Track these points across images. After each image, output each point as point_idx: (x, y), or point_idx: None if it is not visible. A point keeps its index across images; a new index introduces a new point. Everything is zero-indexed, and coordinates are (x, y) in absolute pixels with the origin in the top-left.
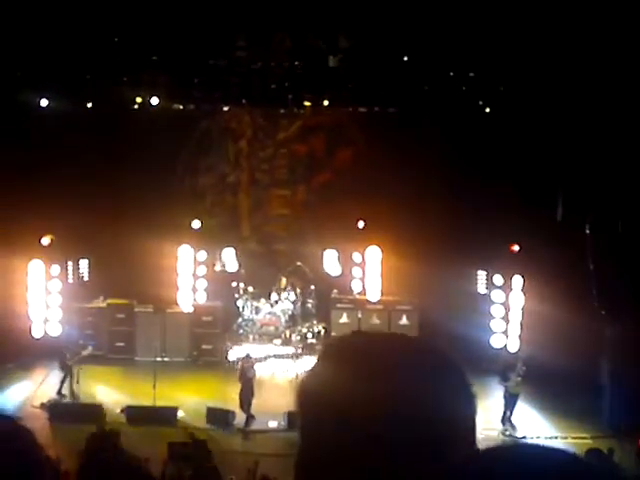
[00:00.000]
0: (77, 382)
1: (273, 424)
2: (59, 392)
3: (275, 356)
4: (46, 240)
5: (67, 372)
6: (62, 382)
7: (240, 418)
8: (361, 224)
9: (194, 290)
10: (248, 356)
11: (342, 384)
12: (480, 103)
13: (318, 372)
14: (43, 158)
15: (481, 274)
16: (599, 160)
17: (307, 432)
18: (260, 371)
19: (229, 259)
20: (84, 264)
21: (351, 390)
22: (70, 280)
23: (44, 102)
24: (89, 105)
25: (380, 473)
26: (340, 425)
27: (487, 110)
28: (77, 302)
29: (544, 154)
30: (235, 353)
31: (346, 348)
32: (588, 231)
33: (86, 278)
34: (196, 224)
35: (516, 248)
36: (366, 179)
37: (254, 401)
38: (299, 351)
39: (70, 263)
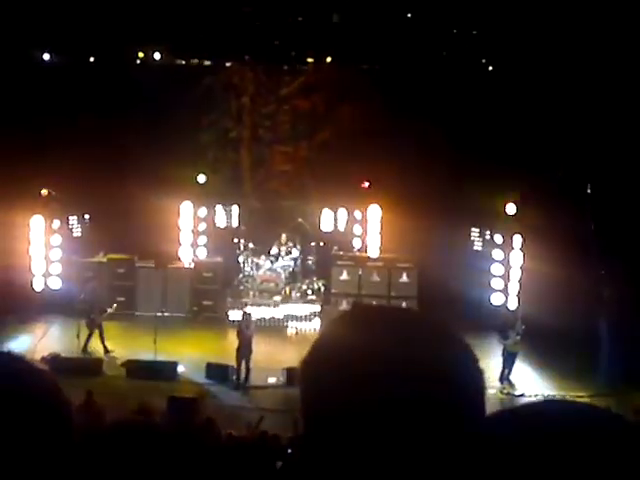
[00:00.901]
0: (77, 336)
1: (272, 380)
2: (85, 348)
3: (275, 317)
4: (44, 192)
5: (93, 329)
6: (88, 339)
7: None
8: (366, 184)
9: (195, 246)
10: (247, 314)
11: (361, 344)
12: (483, 61)
13: (336, 329)
14: (45, 113)
15: (481, 233)
16: (602, 120)
17: (315, 391)
18: (259, 328)
19: (231, 215)
20: (85, 219)
21: (369, 350)
22: (71, 235)
23: (46, 56)
24: (91, 60)
25: (392, 434)
26: (354, 385)
27: (490, 68)
28: (78, 257)
29: (546, 113)
30: (236, 313)
31: (364, 314)
32: (589, 191)
33: (87, 233)
34: (202, 178)
35: (512, 209)
36: (367, 137)
37: (252, 357)
38: (299, 311)
39: (71, 218)
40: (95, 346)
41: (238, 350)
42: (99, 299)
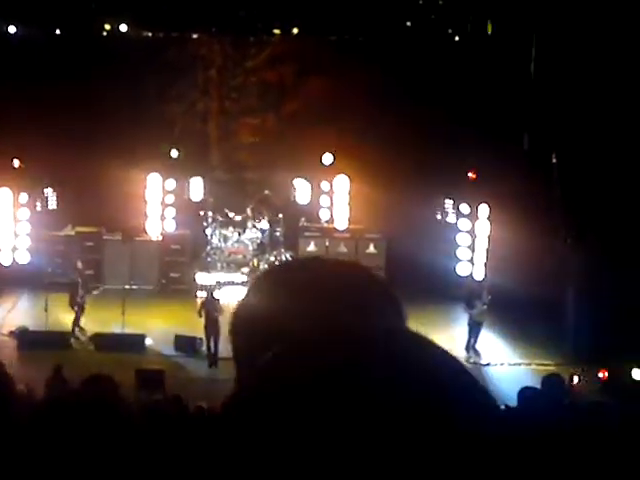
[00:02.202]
0: (45, 310)
1: None
2: (74, 330)
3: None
4: (18, 166)
5: (78, 309)
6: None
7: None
8: (329, 159)
9: (162, 218)
10: (214, 297)
11: (267, 307)
12: (449, 31)
13: (246, 300)
14: (11, 85)
15: (448, 203)
16: (567, 88)
17: (240, 357)
18: (225, 305)
19: (198, 187)
20: (53, 192)
21: (275, 311)
22: (39, 208)
23: (12, 29)
24: (58, 32)
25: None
26: (268, 344)
27: (456, 39)
28: (46, 230)
29: (512, 83)
30: (203, 293)
31: (270, 276)
32: (554, 160)
33: (55, 206)
34: (174, 153)
35: (472, 175)
36: (335, 108)
37: (220, 333)
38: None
39: (39, 191)
40: (66, 320)
41: (205, 328)
42: (84, 279)
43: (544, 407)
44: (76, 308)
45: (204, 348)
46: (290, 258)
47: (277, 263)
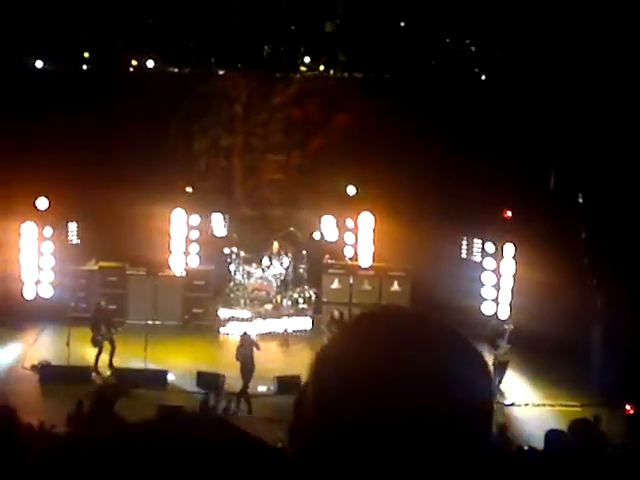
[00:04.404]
0: (67, 344)
1: (262, 389)
2: (96, 365)
3: (267, 332)
4: (44, 203)
5: (99, 347)
6: (97, 357)
7: (230, 382)
8: (353, 196)
9: (186, 254)
10: (246, 334)
11: (367, 357)
12: (476, 70)
13: (342, 341)
14: (37, 120)
15: (473, 241)
16: (593, 130)
17: (320, 401)
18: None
19: (222, 223)
20: (77, 227)
21: (377, 365)
22: (63, 242)
23: (39, 64)
24: (84, 67)
25: (395, 451)
26: (361, 400)
27: (483, 77)
28: (69, 264)
29: (539, 122)
30: (228, 328)
31: (375, 322)
32: (580, 200)
33: (79, 241)
34: (189, 189)
35: (509, 214)
36: (360, 145)
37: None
38: (290, 325)
39: (63, 225)
40: (87, 355)
41: (242, 370)
42: (105, 316)
43: (571, 450)
44: (97, 345)
45: (226, 386)
46: (314, 295)
47: (376, 309)
